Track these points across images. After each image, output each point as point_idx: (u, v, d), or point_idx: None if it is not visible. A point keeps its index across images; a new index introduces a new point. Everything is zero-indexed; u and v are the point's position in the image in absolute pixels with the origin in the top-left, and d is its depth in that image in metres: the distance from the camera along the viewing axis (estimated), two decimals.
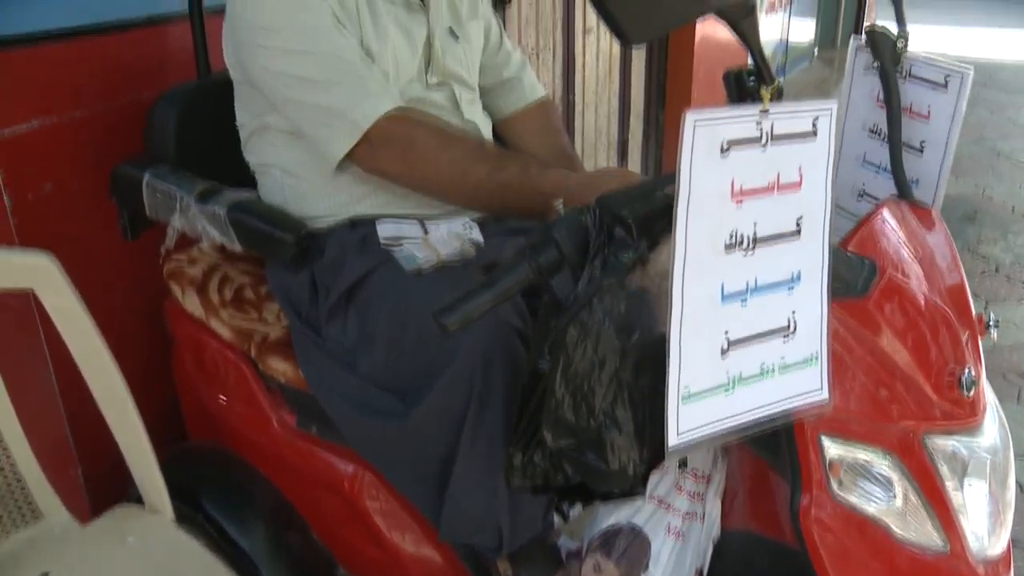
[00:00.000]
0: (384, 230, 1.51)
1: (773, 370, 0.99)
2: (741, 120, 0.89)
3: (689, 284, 0.90)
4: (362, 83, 1.43)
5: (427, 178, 1.46)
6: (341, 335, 1.49)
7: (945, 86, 1.56)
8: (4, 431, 1.23)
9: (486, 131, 1.72)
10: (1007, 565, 1.23)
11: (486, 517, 1.37)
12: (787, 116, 0.93)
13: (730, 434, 0.99)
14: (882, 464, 1.12)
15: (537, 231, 1.05)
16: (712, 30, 4.51)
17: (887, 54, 1.57)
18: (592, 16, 3.79)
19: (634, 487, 1.14)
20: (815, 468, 1.09)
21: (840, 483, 1.10)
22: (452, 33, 1.67)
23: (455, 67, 1.66)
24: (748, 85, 1.07)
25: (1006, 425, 1.29)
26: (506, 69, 1.86)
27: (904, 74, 1.60)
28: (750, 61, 1.06)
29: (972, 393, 1.19)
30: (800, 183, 0.96)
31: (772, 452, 1.16)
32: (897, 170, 1.58)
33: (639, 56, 4.49)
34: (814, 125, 0.95)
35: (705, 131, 0.87)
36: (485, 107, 1.82)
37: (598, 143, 4.28)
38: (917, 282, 1.31)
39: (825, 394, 1.04)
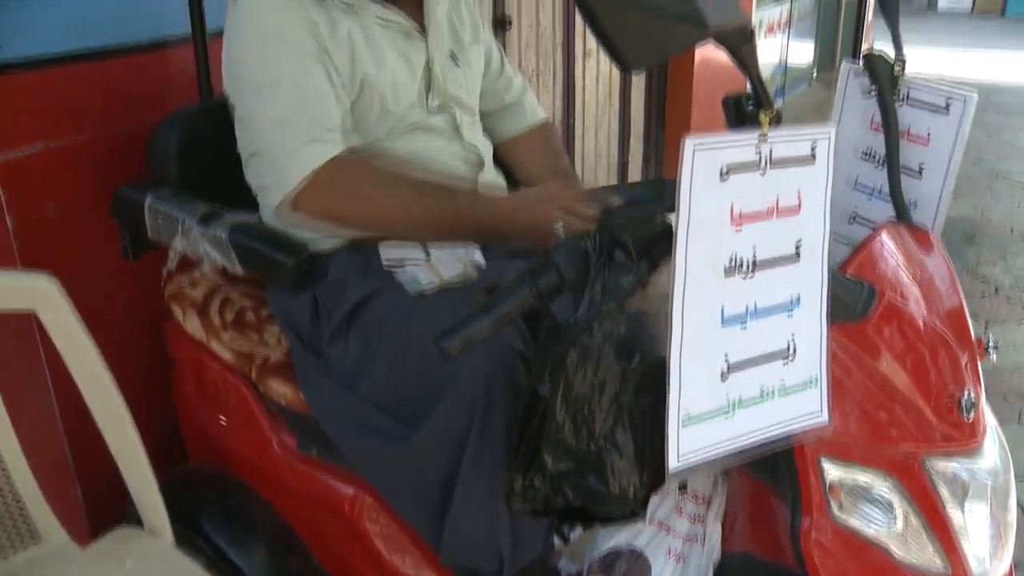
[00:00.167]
0: (386, 252, 1.51)
1: (773, 393, 1.00)
2: (740, 145, 0.90)
3: (689, 308, 0.90)
4: (311, 127, 1.44)
5: (370, 219, 1.48)
6: (343, 357, 1.49)
7: (947, 110, 1.57)
8: (4, 452, 1.23)
9: (487, 154, 1.73)
10: None
11: (487, 541, 1.37)
12: (786, 141, 0.93)
13: (730, 457, 0.99)
14: (882, 487, 1.12)
15: (538, 255, 1.06)
16: (711, 52, 4.53)
17: (885, 79, 1.58)
18: (592, 39, 3.81)
19: (634, 510, 1.14)
20: (815, 491, 1.09)
21: (840, 506, 1.10)
22: (453, 57, 1.68)
23: (456, 91, 1.67)
24: (747, 110, 1.08)
25: (1006, 447, 1.29)
26: (508, 94, 1.88)
27: (901, 98, 1.62)
28: (749, 86, 1.07)
29: (972, 416, 1.19)
30: (799, 207, 0.97)
31: (772, 475, 1.16)
32: (896, 193, 1.59)
33: (639, 79, 4.52)
34: (812, 150, 0.96)
35: (705, 156, 0.88)
36: (486, 130, 1.83)
37: (598, 165, 4.30)
38: (916, 305, 1.32)
39: (825, 417, 1.04)
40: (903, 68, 1.60)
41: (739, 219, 0.92)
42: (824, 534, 1.09)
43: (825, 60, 9.22)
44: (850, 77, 1.68)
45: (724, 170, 0.89)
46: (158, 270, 1.70)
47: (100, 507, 1.74)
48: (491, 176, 1.72)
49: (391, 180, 1.49)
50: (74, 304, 1.17)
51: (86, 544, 1.29)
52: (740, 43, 0.98)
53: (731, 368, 0.95)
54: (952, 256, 1.56)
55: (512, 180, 1.84)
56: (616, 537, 1.38)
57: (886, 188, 1.62)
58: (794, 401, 1.02)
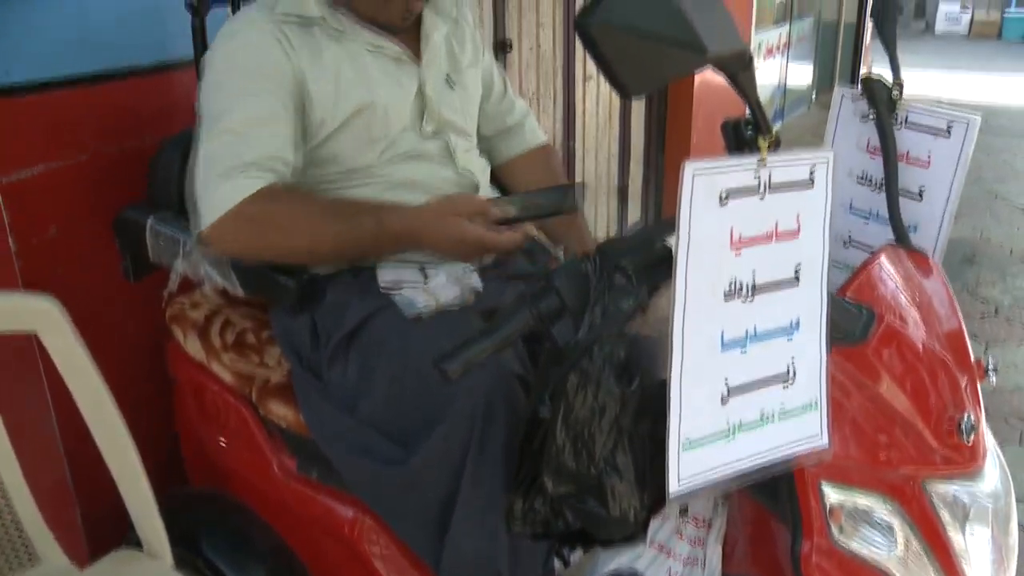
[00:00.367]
0: (384, 275, 1.52)
1: (773, 417, 1.00)
2: (739, 170, 0.91)
3: (689, 332, 0.91)
4: (235, 162, 1.43)
5: (287, 250, 1.48)
6: (342, 379, 1.49)
7: (948, 133, 1.58)
8: (3, 474, 1.23)
9: (483, 178, 1.73)
10: None
11: (487, 563, 1.36)
12: (784, 166, 0.94)
13: (731, 481, 0.99)
14: (883, 510, 1.12)
15: (537, 278, 1.06)
16: (711, 76, 4.53)
17: (882, 102, 1.59)
18: (592, 63, 3.84)
19: (635, 533, 1.14)
20: (816, 514, 1.09)
21: (841, 529, 1.10)
22: (449, 81, 1.68)
23: (450, 115, 1.67)
24: (746, 135, 1.09)
25: (1007, 470, 1.29)
26: (509, 116, 1.88)
27: (900, 122, 1.63)
28: (747, 111, 1.08)
29: (972, 439, 1.19)
30: (798, 231, 0.97)
31: (772, 498, 1.16)
32: (894, 217, 1.60)
33: (639, 102, 4.54)
34: (811, 174, 0.97)
35: (704, 181, 0.88)
36: (486, 151, 1.84)
37: (598, 188, 4.31)
38: (915, 328, 1.32)
39: (825, 441, 1.04)
40: (901, 92, 1.61)
41: (739, 243, 0.93)
42: (825, 558, 1.09)
43: (824, 82, 9.27)
44: (844, 102, 1.70)
45: (724, 195, 0.90)
46: (159, 291, 1.71)
47: (100, 529, 1.74)
48: None
49: (303, 207, 1.47)
50: (75, 325, 1.17)
51: (85, 566, 1.29)
52: (738, 69, 0.99)
53: (731, 392, 0.96)
54: (952, 277, 1.56)
55: None
56: (617, 560, 1.38)
57: (882, 212, 1.62)
58: (794, 425, 1.02)
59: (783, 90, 7.98)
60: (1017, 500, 1.30)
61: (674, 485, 0.94)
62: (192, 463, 1.84)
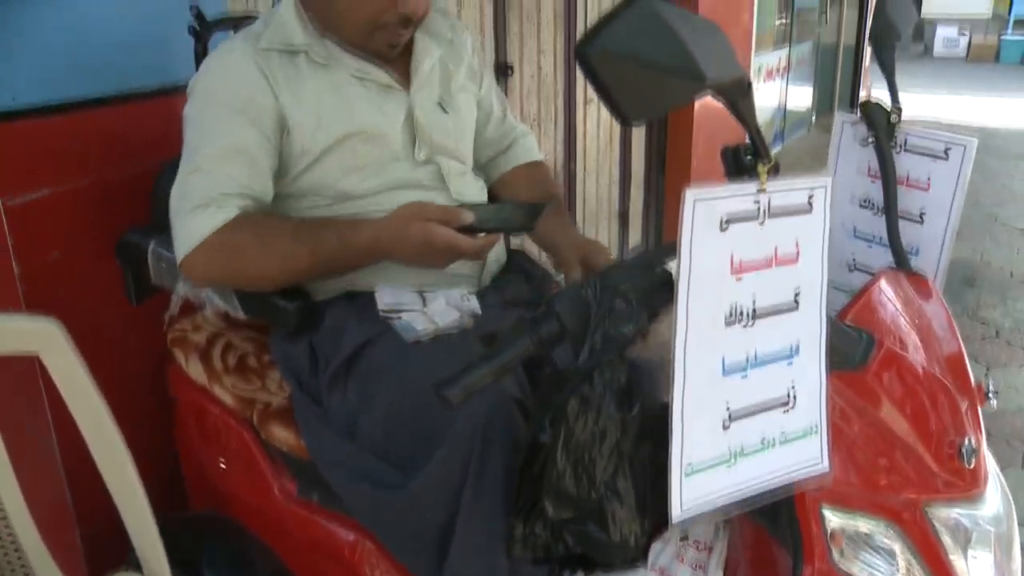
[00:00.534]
0: (383, 299, 1.51)
1: (774, 442, 1.00)
2: (739, 196, 0.92)
3: (692, 359, 0.91)
4: (208, 192, 1.45)
5: (259, 276, 1.48)
6: (341, 404, 1.49)
7: (946, 156, 1.59)
8: (2, 495, 1.23)
9: (479, 200, 1.73)
10: None
11: None
12: (783, 191, 0.95)
13: (732, 506, 0.99)
14: (884, 535, 1.11)
15: (537, 303, 1.07)
16: (711, 101, 4.56)
17: (881, 127, 1.60)
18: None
19: (636, 557, 1.13)
20: (816, 539, 1.09)
21: (842, 554, 1.10)
22: (441, 105, 1.67)
23: (442, 139, 1.65)
24: (745, 161, 1.09)
25: (1009, 494, 1.28)
26: (506, 139, 1.89)
27: (899, 146, 1.64)
28: (747, 137, 1.08)
29: (973, 463, 1.19)
30: (797, 257, 0.98)
31: (773, 522, 1.15)
32: (894, 240, 1.60)
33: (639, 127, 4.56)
34: (810, 199, 0.97)
35: (705, 207, 0.89)
36: (483, 171, 1.84)
37: (599, 212, 4.32)
38: (915, 353, 1.32)
39: (825, 465, 1.04)
40: (900, 116, 1.62)
41: (739, 268, 0.93)
42: None
43: (824, 104, 9.32)
44: (845, 127, 1.71)
45: (724, 221, 0.90)
46: (161, 314, 1.71)
47: (99, 551, 1.73)
48: None
49: (271, 232, 1.48)
50: (77, 347, 1.17)
51: None
52: (738, 96, 1.00)
53: (732, 417, 0.96)
54: (952, 300, 1.57)
55: None
56: None
57: (885, 235, 1.63)
58: (795, 449, 1.02)
59: (783, 112, 8.02)
60: (1020, 524, 1.29)
61: (677, 511, 0.94)
62: (193, 486, 1.84)
